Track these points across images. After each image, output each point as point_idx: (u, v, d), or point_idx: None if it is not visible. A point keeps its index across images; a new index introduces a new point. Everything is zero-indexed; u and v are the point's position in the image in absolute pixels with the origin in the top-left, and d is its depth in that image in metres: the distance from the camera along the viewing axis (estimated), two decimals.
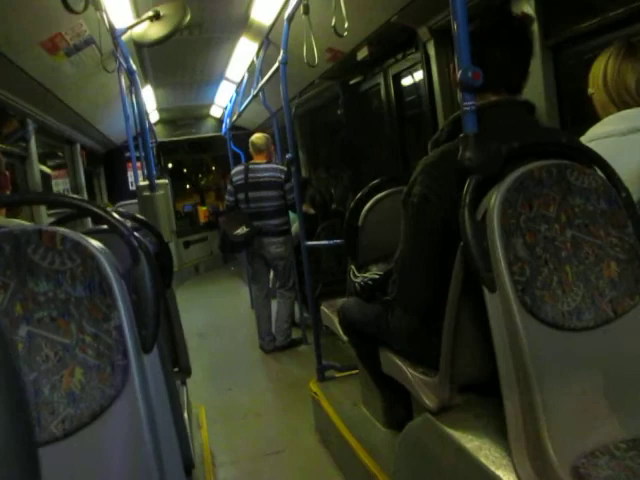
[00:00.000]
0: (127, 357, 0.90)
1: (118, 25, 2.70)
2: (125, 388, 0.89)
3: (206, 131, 8.05)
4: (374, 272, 1.69)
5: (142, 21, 2.68)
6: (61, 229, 0.94)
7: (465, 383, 1.37)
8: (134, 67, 2.71)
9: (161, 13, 2.66)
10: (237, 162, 5.40)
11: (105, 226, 1.44)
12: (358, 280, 1.72)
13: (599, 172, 1.21)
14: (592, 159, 1.22)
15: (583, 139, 1.43)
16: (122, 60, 2.95)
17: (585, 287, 1.12)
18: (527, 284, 1.06)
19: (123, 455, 0.89)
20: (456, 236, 1.13)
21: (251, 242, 3.92)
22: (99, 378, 0.89)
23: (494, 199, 1.09)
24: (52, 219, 2.46)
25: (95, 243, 0.95)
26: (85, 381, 0.89)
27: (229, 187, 4.12)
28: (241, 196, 4.02)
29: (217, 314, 5.63)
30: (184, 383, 2.16)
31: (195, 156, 9.76)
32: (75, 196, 1.21)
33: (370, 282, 1.67)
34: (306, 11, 2.41)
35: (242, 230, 3.82)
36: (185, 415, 1.71)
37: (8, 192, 1.72)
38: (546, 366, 1.05)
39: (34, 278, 0.91)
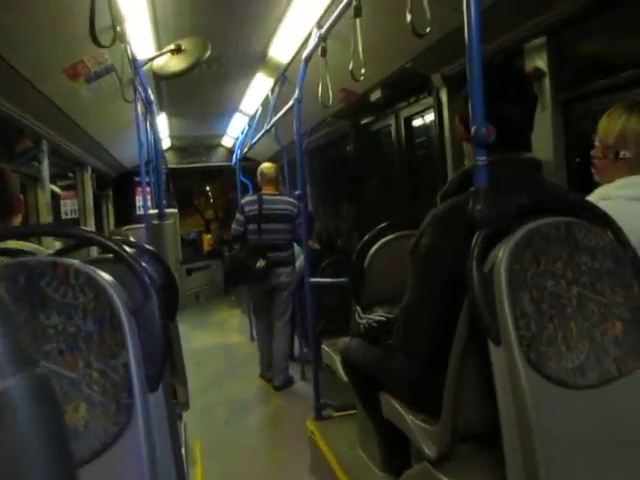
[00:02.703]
0: (132, 396, 0.90)
1: (140, 56, 2.77)
2: (129, 427, 0.89)
3: (216, 160, 8.13)
4: (379, 314, 1.70)
5: (163, 54, 2.75)
6: (75, 262, 0.95)
7: (466, 433, 1.35)
8: (152, 97, 2.77)
9: (182, 47, 2.74)
10: (245, 192, 5.44)
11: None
12: (363, 322, 1.73)
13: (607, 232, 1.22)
14: (600, 218, 1.23)
15: (594, 196, 1.44)
16: (141, 90, 3.01)
17: (590, 345, 1.12)
18: (532, 340, 1.06)
19: None
20: (463, 289, 1.14)
21: (267, 275, 3.92)
22: (103, 415, 0.89)
23: (502, 253, 1.10)
24: (60, 243, 2.48)
25: (107, 277, 0.96)
26: (89, 417, 0.89)
27: (239, 217, 4.08)
28: (253, 227, 4.00)
29: (216, 344, 5.59)
30: (181, 417, 2.14)
31: (203, 184, 9.85)
32: (90, 229, 1.22)
33: (375, 324, 1.67)
34: (324, 53, 2.47)
35: (260, 263, 3.81)
36: (183, 451, 1.69)
37: (21, 215, 1.75)
38: (549, 423, 1.04)
39: (46, 311, 0.92)
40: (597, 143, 1.51)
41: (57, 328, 0.92)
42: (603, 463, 1.08)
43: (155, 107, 3.57)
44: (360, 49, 2.09)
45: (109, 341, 0.91)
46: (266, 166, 4.22)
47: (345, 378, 2.00)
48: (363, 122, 4.51)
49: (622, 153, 1.44)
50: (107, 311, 0.92)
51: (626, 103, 1.50)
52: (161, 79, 3.69)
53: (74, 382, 0.90)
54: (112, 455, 0.88)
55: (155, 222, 2.52)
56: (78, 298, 0.92)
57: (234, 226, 4.13)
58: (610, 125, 1.47)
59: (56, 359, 0.91)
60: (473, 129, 1.13)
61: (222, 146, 7.97)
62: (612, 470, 1.08)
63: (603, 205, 1.28)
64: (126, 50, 2.61)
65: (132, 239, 2.15)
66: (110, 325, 0.92)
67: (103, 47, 1.74)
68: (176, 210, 2.79)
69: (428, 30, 1.58)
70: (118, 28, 2.25)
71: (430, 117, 3.53)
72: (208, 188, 10.00)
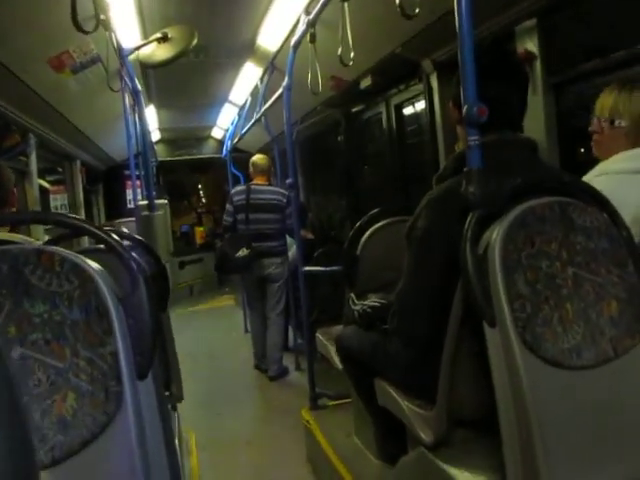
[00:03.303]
0: (121, 383, 0.88)
1: (126, 45, 2.73)
2: (118, 415, 0.87)
3: (207, 152, 8.08)
4: (373, 300, 1.68)
5: (150, 42, 2.71)
6: (60, 250, 0.93)
7: (462, 418, 1.35)
8: (139, 87, 2.73)
9: (169, 35, 2.70)
10: (236, 184, 5.41)
11: (101, 246, 1.44)
12: (357, 308, 1.71)
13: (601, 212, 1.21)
14: (594, 197, 1.22)
15: (592, 172, 1.46)
16: (127, 80, 2.97)
17: (585, 325, 1.11)
18: (528, 321, 1.05)
19: None
20: (458, 271, 1.13)
21: (251, 264, 3.91)
22: (92, 404, 0.87)
23: (496, 234, 1.08)
24: (50, 235, 2.45)
25: (94, 265, 0.94)
26: (77, 407, 0.87)
27: (228, 207, 4.10)
28: (241, 217, 4.00)
29: (210, 337, 5.58)
30: (175, 408, 2.12)
31: (194, 177, 9.79)
32: (77, 217, 1.20)
33: (369, 310, 1.66)
34: (312, 39, 2.44)
35: (243, 252, 3.80)
36: (176, 442, 1.67)
37: (14, 209, 1.72)
38: (545, 404, 1.03)
39: (30, 299, 0.89)
40: (594, 120, 1.55)
41: (42, 317, 0.89)
42: (600, 442, 1.07)
43: (143, 98, 3.53)
44: (349, 34, 2.06)
45: (96, 329, 0.89)
46: (259, 157, 4.23)
47: (340, 366, 1.99)
48: (354, 110, 4.48)
49: (617, 122, 1.48)
50: (93, 299, 0.90)
51: (618, 82, 1.55)
52: (148, 69, 3.65)
53: (61, 371, 0.88)
54: (102, 445, 0.86)
55: (145, 213, 2.49)
56: (63, 286, 0.90)
57: (224, 217, 4.17)
58: (604, 101, 1.53)
59: (42, 348, 0.89)
60: (465, 109, 1.11)
61: (212, 138, 7.91)
62: (609, 450, 1.07)
63: (599, 181, 1.28)
64: (111, 39, 2.57)
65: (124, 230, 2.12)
66: (97, 313, 0.90)
67: (86, 33, 1.71)
68: (166, 201, 2.75)
69: (417, 11, 1.56)
70: (102, 16, 2.21)
71: (421, 105, 3.51)
72: (199, 181, 9.94)
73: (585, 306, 1.12)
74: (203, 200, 9.96)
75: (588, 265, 1.15)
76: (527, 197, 1.15)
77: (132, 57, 2.88)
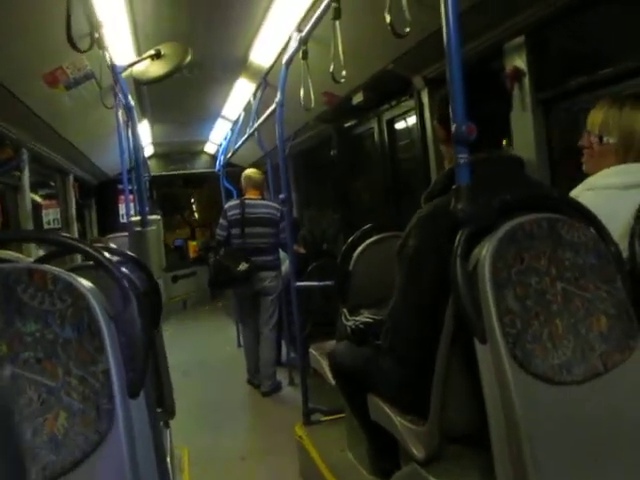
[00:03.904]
0: (113, 402, 0.88)
1: (119, 62, 2.74)
2: (109, 434, 0.87)
3: (200, 167, 8.08)
4: (366, 315, 1.69)
5: (143, 59, 2.72)
6: (52, 269, 0.93)
7: (454, 434, 1.35)
8: (132, 103, 2.74)
9: (162, 52, 2.71)
10: (229, 198, 5.41)
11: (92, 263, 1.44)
12: (350, 324, 1.72)
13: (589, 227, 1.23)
14: (582, 213, 1.24)
15: (580, 187, 1.47)
16: (121, 96, 2.98)
17: (575, 341, 1.12)
18: (518, 337, 1.06)
19: None
20: (449, 289, 1.14)
21: (250, 278, 3.90)
22: (83, 423, 0.87)
23: (485, 250, 1.10)
24: (42, 251, 2.44)
25: (86, 283, 0.94)
26: (69, 426, 0.87)
27: (222, 222, 4.11)
28: (236, 231, 4.01)
29: (203, 351, 5.54)
30: (167, 425, 2.10)
31: (188, 191, 9.80)
32: (68, 235, 1.19)
33: (362, 326, 1.67)
34: (304, 56, 2.47)
35: (243, 266, 3.80)
36: (168, 459, 1.66)
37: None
38: (536, 420, 1.04)
39: (22, 318, 0.89)
40: (585, 135, 1.57)
41: (35, 335, 0.89)
42: (590, 458, 1.08)
43: (137, 113, 3.54)
44: (340, 51, 2.09)
45: (88, 347, 0.89)
46: (252, 171, 4.26)
47: (333, 381, 1.99)
48: (346, 125, 4.51)
49: (605, 139, 1.50)
50: (85, 317, 0.90)
51: (609, 97, 1.58)
52: (142, 85, 3.66)
53: (53, 390, 0.88)
54: (93, 464, 0.86)
55: (138, 229, 2.49)
56: (56, 305, 0.90)
57: (217, 231, 4.18)
58: (594, 117, 1.55)
59: (34, 367, 0.88)
60: (454, 127, 1.13)
61: (205, 153, 7.93)
62: (599, 465, 1.08)
63: (586, 196, 1.29)
64: (105, 56, 2.58)
65: (113, 246, 2.12)
66: (89, 331, 0.90)
67: (80, 52, 1.72)
68: (159, 217, 2.76)
69: (408, 30, 1.58)
70: (96, 34, 2.23)
71: (412, 120, 3.54)
72: (192, 195, 9.95)
73: (575, 321, 1.13)
74: (196, 214, 9.96)
75: (577, 281, 1.16)
76: (516, 213, 1.16)
77: (126, 73, 2.90)
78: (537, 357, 1.07)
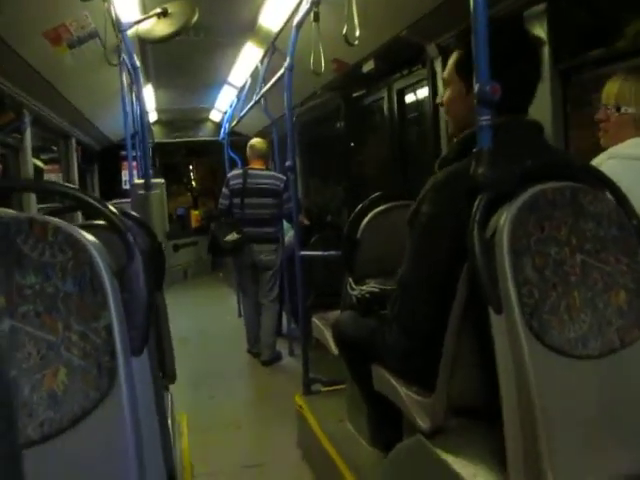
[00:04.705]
0: (115, 359, 0.85)
1: (124, 19, 2.67)
2: (111, 392, 0.84)
3: (204, 135, 7.99)
4: (372, 285, 1.65)
5: (149, 17, 2.65)
6: (54, 220, 0.89)
7: (460, 406, 1.32)
8: (138, 63, 2.67)
9: (169, 10, 2.64)
10: (233, 167, 5.35)
11: (96, 222, 1.39)
12: (355, 293, 1.68)
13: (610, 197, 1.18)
14: (605, 183, 1.19)
15: (603, 155, 1.43)
16: (125, 56, 2.91)
17: (592, 314, 1.09)
18: (535, 307, 1.03)
19: (104, 463, 0.84)
20: (463, 257, 1.10)
21: (240, 249, 3.87)
22: (84, 380, 0.84)
23: (504, 218, 1.05)
24: (42, 211, 2.40)
25: (89, 237, 0.90)
26: (68, 382, 0.84)
27: (224, 190, 4.07)
28: (236, 201, 3.97)
29: (203, 320, 5.55)
30: (167, 389, 2.09)
31: (191, 159, 9.71)
32: (71, 185, 1.14)
33: (368, 295, 1.63)
34: (316, 18, 2.39)
35: (232, 237, 3.78)
36: (169, 422, 1.65)
37: None
38: (550, 392, 1.01)
39: (22, 270, 0.85)
40: (600, 109, 1.55)
41: (34, 288, 0.86)
42: (603, 432, 1.05)
43: (141, 76, 3.46)
44: (355, 12, 2.01)
45: (90, 302, 0.86)
46: (257, 140, 4.20)
47: (335, 351, 1.97)
48: (354, 95, 4.42)
49: (624, 108, 1.48)
50: (87, 271, 0.86)
51: (623, 70, 1.58)
52: (147, 45, 3.58)
53: (52, 345, 0.85)
54: (93, 422, 0.83)
55: (141, 192, 2.45)
56: (56, 257, 0.86)
57: (220, 200, 4.14)
58: (610, 89, 1.53)
59: (33, 321, 0.85)
60: (477, 86, 1.08)
61: (210, 120, 7.82)
62: (613, 441, 1.05)
63: (609, 164, 1.25)
64: (110, 12, 2.50)
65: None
66: (91, 286, 0.86)
67: (85, 0, 1.64)
68: (163, 180, 2.71)
69: None
70: None
71: (424, 92, 3.45)
72: (196, 163, 9.86)
73: (593, 295, 1.10)
74: (198, 183, 9.89)
75: (597, 253, 1.12)
76: (536, 181, 1.11)
77: (130, 33, 2.82)
78: (553, 329, 1.03)
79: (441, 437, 1.29)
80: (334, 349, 2.00)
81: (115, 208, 1.02)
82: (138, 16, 2.85)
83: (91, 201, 0.97)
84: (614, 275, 1.12)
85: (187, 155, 9.41)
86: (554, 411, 1.01)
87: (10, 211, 1.48)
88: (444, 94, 1.41)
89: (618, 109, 1.48)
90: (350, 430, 2.15)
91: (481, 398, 1.24)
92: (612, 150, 1.45)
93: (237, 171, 4.15)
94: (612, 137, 1.51)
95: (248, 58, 4.35)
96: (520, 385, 1.01)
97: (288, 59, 2.69)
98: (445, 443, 1.27)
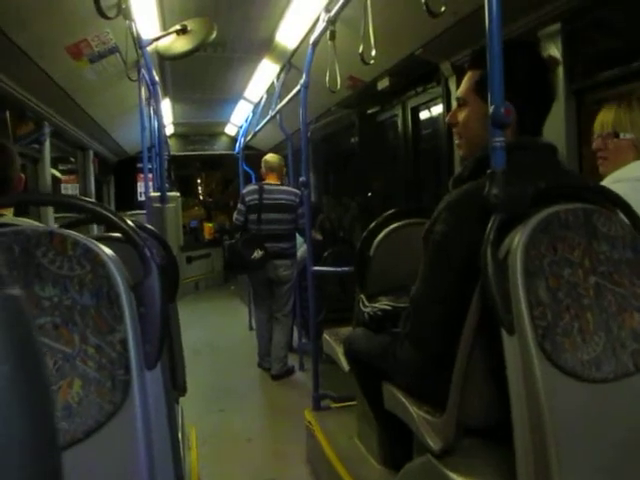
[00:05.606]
0: (129, 372, 0.86)
1: (144, 36, 2.72)
2: (124, 405, 0.85)
3: (219, 148, 8.07)
4: (384, 302, 1.65)
5: (169, 34, 2.70)
6: (73, 234, 0.90)
7: (471, 427, 1.31)
8: (156, 78, 2.71)
9: (188, 28, 2.69)
10: (247, 182, 5.40)
11: (112, 234, 1.41)
12: (368, 310, 1.68)
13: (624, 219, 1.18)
14: (619, 206, 1.19)
15: (608, 179, 1.44)
16: (145, 71, 2.96)
17: (606, 337, 1.08)
18: (548, 329, 1.02)
19: (116, 475, 0.84)
20: (475, 278, 1.10)
21: (264, 266, 3.88)
22: (98, 392, 0.85)
23: (518, 239, 1.05)
24: (59, 223, 2.43)
25: (107, 251, 0.91)
26: (83, 394, 0.85)
27: (240, 206, 4.06)
28: (253, 217, 3.97)
29: (214, 333, 5.56)
30: (177, 402, 2.10)
31: (205, 172, 9.80)
32: (89, 199, 1.17)
33: (380, 312, 1.63)
34: (332, 37, 2.42)
35: (257, 254, 3.77)
36: (179, 435, 1.65)
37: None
38: (562, 416, 1.00)
39: (41, 282, 0.87)
40: (596, 138, 1.58)
41: (52, 301, 0.87)
42: (615, 458, 1.04)
43: (159, 91, 3.52)
44: (371, 31, 2.04)
45: (106, 316, 0.87)
46: (271, 155, 4.21)
47: (346, 368, 1.96)
48: (369, 112, 4.45)
49: (622, 134, 1.50)
50: (105, 284, 0.88)
51: (615, 99, 1.62)
52: (165, 61, 3.64)
53: (68, 357, 0.86)
54: (106, 434, 0.84)
55: (157, 205, 2.48)
56: (75, 270, 0.88)
57: (235, 215, 4.12)
58: (604, 117, 1.56)
59: (50, 333, 0.86)
60: (492, 108, 1.08)
61: (225, 134, 7.90)
62: (626, 467, 1.04)
63: (616, 188, 1.25)
64: (130, 28, 2.56)
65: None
66: (107, 299, 0.87)
67: (107, 18, 1.69)
68: (178, 194, 2.74)
69: (443, 10, 1.53)
70: (123, 5, 2.21)
71: (438, 109, 3.47)
72: (210, 176, 9.95)
73: (606, 317, 1.09)
74: (212, 196, 9.97)
75: (611, 275, 1.11)
76: (549, 202, 1.12)
77: (150, 49, 2.87)
78: (566, 351, 1.03)
79: (451, 457, 1.28)
80: (345, 366, 1.99)
81: (132, 221, 1.04)
82: (158, 33, 2.90)
83: (110, 216, 0.99)
84: (628, 298, 1.12)
85: (202, 168, 9.50)
86: (565, 433, 1.00)
87: (29, 221, 1.51)
88: (459, 114, 1.42)
89: (616, 135, 1.51)
90: (360, 447, 2.14)
91: (492, 419, 1.23)
92: (617, 174, 1.45)
93: (252, 186, 4.15)
94: (611, 163, 1.53)
95: (264, 74, 4.41)
96: (532, 407, 1.00)
97: (304, 76, 2.72)
98: (455, 464, 1.26)
